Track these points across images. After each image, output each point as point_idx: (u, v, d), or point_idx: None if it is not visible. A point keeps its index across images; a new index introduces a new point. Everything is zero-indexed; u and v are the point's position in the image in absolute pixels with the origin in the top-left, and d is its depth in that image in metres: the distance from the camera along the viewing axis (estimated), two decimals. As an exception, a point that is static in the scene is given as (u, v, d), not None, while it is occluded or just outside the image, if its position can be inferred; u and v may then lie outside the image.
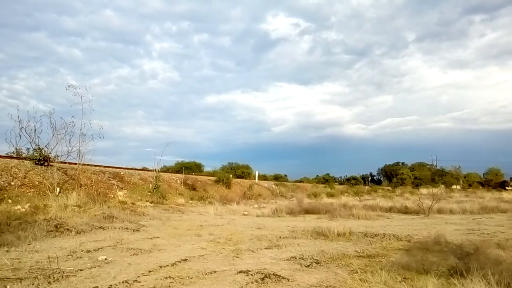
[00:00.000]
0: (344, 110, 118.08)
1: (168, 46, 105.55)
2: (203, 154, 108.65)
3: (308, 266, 5.40)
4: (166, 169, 31.34)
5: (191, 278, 4.62)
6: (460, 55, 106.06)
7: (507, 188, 54.21)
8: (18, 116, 12.27)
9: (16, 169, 11.66)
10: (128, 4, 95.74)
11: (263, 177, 40.06)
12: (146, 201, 14.52)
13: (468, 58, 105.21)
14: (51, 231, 7.77)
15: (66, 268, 4.96)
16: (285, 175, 52.37)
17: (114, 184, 14.96)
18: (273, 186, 33.04)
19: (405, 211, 15.85)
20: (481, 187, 55.75)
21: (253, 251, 6.52)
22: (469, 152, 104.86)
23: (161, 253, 6.23)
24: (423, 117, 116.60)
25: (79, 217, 9.36)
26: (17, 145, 13.02)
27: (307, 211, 14.98)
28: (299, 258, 5.89)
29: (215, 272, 4.93)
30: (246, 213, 14.77)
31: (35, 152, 12.72)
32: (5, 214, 8.71)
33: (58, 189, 11.46)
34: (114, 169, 17.57)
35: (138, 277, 4.63)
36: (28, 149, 13.25)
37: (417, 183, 57.50)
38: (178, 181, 20.52)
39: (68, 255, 5.84)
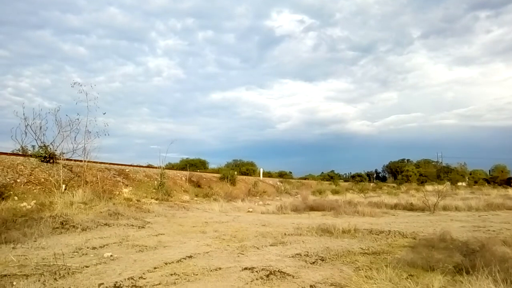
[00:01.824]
0: (349, 107, 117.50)
1: (172, 43, 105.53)
2: (207, 151, 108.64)
3: (313, 263, 5.40)
4: (171, 166, 31.35)
5: (196, 274, 4.63)
6: (466, 52, 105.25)
7: (513, 185, 53.79)
8: (24, 114, 12.38)
9: (22, 166, 11.74)
10: (132, 1, 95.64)
11: (267, 174, 40.08)
12: (151, 198, 14.58)
13: (473, 55, 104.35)
14: (57, 228, 7.82)
15: (72, 264, 4.99)
16: (290, 172, 52.24)
17: (120, 181, 15.02)
18: (278, 183, 33.02)
19: (410, 208, 15.80)
20: (486, 184, 55.41)
21: (258, 248, 6.52)
22: (475, 149, 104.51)
23: (166, 250, 6.25)
24: (428, 114, 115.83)
25: (84, 214, 9.42)
26: (22, 142, 13.14)
27: (312, 208, 14.97)
28: (304, 255, 5.89)
29: (220, 268, 4.94)
30: (251, 210, 14.78)
31: (40, 150, 12.81)
32: (11, 211, 8.78)
33: (63, 186, 11.53)
34: (120, 166, 17.64)
35: (143, 273, 4.65)
36: (33, 146, 13.35)
37: (422, 180, 57.32)
38: (183, 178, 20.57)
39: (74, 252, 5.88)
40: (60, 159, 12.91)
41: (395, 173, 73.50)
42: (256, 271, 4.78)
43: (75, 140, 12.89)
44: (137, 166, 20.60)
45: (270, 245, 6.82)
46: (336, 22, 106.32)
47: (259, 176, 34.45)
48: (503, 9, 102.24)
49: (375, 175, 79.83)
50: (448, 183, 42.42)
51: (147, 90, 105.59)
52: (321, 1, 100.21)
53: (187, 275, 4.58)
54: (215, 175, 25.89)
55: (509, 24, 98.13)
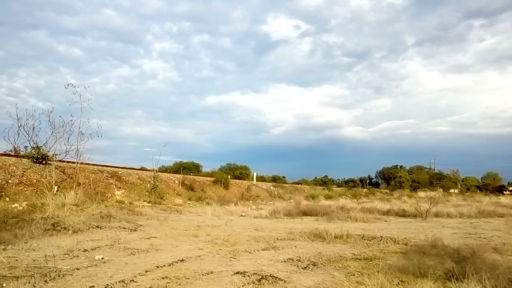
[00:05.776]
0: (343, 113, 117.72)
1: (168, 46, 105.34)
2: (201, 154, 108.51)
3: (305, 268, 5.41)
4: (164, 169, 31.31)
5: (188, 278, 4.62)
6: (459, 60, 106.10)
7: (505, 192, 54.19)
8: (17, 114, 12.33)
9: (14, 167, 11.64)
10: (128, 3, 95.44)
11: (261, 179, 40.06)
12: (144, 201, 14.50)
13: (467, 63, 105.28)
14: (48, 229, 7.76)
15: (63, 267, 4.95)
16: (283, 177, 52.38)
17: (112, 184, 14.94)
18: (271, 187, 33.01)
19: (403, 214, 15.86)
20: (479, 191, 55.75)
21: (250, 252, 6.52)
22: (468, 156, 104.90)
23: (158, 253, 6.23)
24: (422, 121, 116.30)
25: (76, 216, 9.35)
26: (15, 143, 13.06)
27: (305, 213, 14.98)
28: (296, 260, 5.90)
29: (212, 272, 4.93)
30: (243, 214, 14.77)
31: (33, 150, 12.71)
32: (2, 212, 8.68)
33: (55, 187, 11.44)
34: (112, 168, 17.54)
35: (134, 276, 4.63)
36: (26, 147, 13.26)
37: (415, 187, 57.62)
38: (176, 181, 20.50)
39: (65, 254, 5.83)
40: (53, 161, 12.82)
41: (388, 179, 73.74)
42: (248, 276, 4.78)
43: (68, 141, 12.86)
44: (130, 168, 20.50)
45: (262, 250, 6.82)
46: (332, 28, 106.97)
47: (253, 180, 34.45)
48: (497, 18, 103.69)
49: (368, 180, 79.98)
50: (441, 189, 42.62)
51: (142, 93, 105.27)
52: (316, 7, 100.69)
53: (179, 279, 4.57)
54: (209, 178, 25.84)
55: (502, 33, 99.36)
